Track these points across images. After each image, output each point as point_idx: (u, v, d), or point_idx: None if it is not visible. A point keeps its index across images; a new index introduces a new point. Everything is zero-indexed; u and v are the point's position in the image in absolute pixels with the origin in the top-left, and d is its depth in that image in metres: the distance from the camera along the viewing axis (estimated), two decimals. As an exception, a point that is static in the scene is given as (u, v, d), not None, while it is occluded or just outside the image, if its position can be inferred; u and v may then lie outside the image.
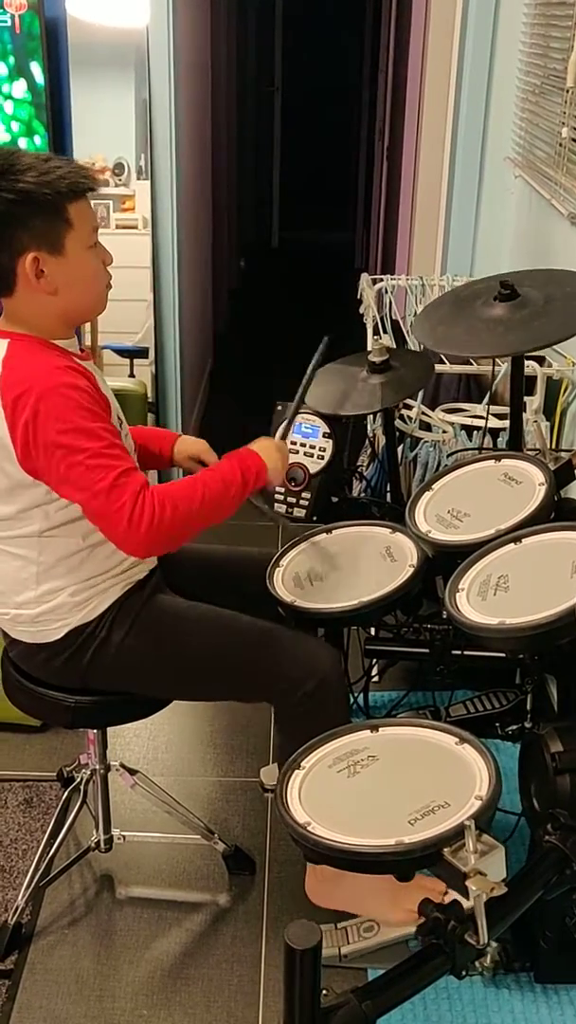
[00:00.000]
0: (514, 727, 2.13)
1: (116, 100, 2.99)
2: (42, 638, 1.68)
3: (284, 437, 1.82)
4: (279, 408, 2.23)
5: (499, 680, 2.33)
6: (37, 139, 2.88)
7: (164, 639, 1.69)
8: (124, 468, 1.50)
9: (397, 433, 2.40)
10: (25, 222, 1.49)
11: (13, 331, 1.58)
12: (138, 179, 3.07)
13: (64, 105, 2.92)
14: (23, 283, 1.53)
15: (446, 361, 2.47)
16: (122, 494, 1.48)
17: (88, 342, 3.01)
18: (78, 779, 2.02)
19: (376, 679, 2.55)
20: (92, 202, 1.58)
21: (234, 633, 1.70)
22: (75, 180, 1.51)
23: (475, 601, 1.51)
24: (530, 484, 1.75)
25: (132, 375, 3.19)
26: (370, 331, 2.72)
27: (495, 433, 2.34)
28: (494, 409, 2.31)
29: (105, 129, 3.02)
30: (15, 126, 2.87)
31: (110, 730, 1.95)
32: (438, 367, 2.39)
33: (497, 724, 2.18)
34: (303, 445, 2.14)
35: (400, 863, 1.23)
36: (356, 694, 2.19)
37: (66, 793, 2.08)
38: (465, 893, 1.19)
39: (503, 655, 1.92)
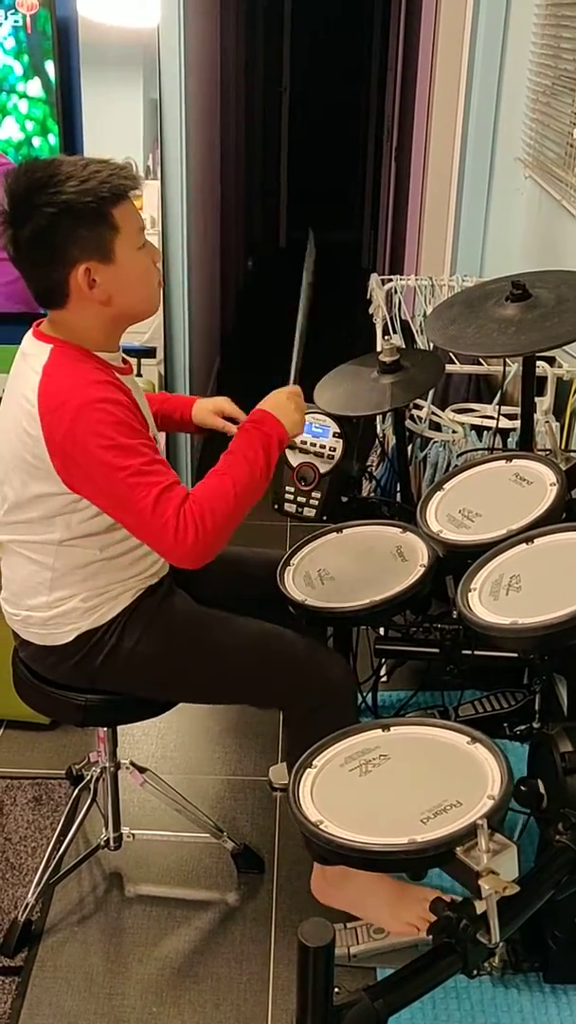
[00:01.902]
0: (522, 727, 2.13)
1: (125, 100, 2.99)
2: (52, 641, 1.68)
3: (296, 380, 1.76)
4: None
5: (507, 680, 2.33)
6: (51, 138, 2.89)
7: (177, 646, 1.69)
8: (166, 484, 1.49)
9: (407, 433, 2.40)
10: (71, 234, 1.47)
11: (56, 337, 1.56)
12: (146, 179, 3.07)
13: (75, 104, 2.93)
14: (76, 295, 1.52)
15: (456, 361, 2.47)
16: (165, 510, 1.47)
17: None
18: (88, 777, 2.03)
19: (384, 679, 2.55)
20: None
21: (249, 641, 1.70)
22: (116, 183, 1.49)
23: (487, 601, 1.51)
24: (541, 484, 1.75)
25: (139, 375, 3.19)
26: (379, 331, 2.72)
27: (505, 434, 2.35)
28: (504, 410, 2.31)
29: (114, 129, 3.02)
30: (29, 125, 2.88)
31: (119, 728, 1.95)
32: (448, 367, 2.39)
33: (505, 724, 2.18)
34: (313, 445, 2.14)
35: (413, 862, 1.23)
36: (365, 694, 2.20)
37: (76, 791, 2.09)
38: (478, 892, 1.19)
39: (513, 655, 1.92)
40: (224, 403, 1.85)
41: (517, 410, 2.15)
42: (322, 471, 2.14)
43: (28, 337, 1.60)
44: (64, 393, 1.49)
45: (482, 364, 2.50)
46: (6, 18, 2.75)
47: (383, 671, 2.53)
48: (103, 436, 1.46)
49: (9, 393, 1.59)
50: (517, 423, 2.15)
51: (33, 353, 1.56)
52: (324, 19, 7.19)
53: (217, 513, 1.50)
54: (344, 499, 2.19)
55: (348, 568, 1.82)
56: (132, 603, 1.68)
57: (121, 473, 1.47)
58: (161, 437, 2.25)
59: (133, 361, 1.73)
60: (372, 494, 2.55)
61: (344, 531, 1.94)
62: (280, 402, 1.64)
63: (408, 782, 1.36)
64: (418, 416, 2.44)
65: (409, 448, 2.45)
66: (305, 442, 2.14)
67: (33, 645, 1.71)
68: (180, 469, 3.35)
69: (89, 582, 1.64)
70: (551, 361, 2.39)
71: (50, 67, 2.80)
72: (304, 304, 1.79)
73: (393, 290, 2.90)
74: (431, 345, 2.44)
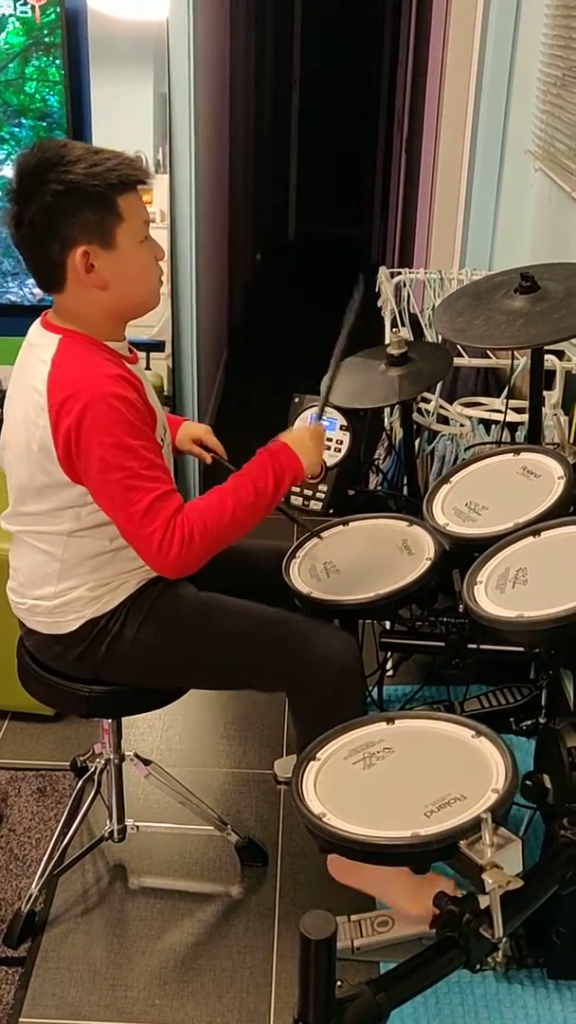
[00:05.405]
0: (528, 722, 2.11)
1: (134, 93, 2.98)
2: (56, 629, 1.68)
3: (319, 417, 1.78)
4: (296, 400, 2.23)
5: (513, 675, 2.32)
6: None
7: (179, 630, 1.69)
8: (160, 492, 1.50)
9: (415, 426, 2.39)
10: (74, 214, 1.47)
11: (64, 327, 1.56)
12: (156, 172, 3.07)
13: (84, 98, 2.92)
14: (73, 278, 1.52)
15: (464, 355, 2.46)
16: (154, 519, 1.48)
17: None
18: (92, 769, 2.03)
19: (390, 673, 2.54)
20: None
21: (253, 623, 1.70)
22: (125, 172, 1.49)
23: (493, 594, 1.51)
24: (549, 478, 1.75)
25: (148, 368, 3.19)
26: (388, 324, 2.71)
27: (513, 427, 2.33)
28: (511, 403, 2.30)
29: (123, 122, 3.01)
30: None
31: (124, 720, 1.95)
32: (456, 360, 2.38)
33: (511, 719, 2.17)
34: (320, 437, 2.13)
35: (416, 855, 1.23)
36: (370, 687, 2.19)
37: (80, 783, 2.09)
38: (481, 886, 1.19)
39: (519, 649, 1.92)
40: (204, 434, 1.90)
41: (525, 404, 2.14)
42: (329, 464, 2.14)
43: (35, 327, 1.60)
44: (75, 384, 1.48)
45: (490, 357, 2.49)
46: (13, 8, 2.75)
47: (388, 665, 2.53)
48: (108, 433, 1.47)
49: (16, 384, 1.59)
50: (525, 417, 2.14)
51: (41, 343, 1.56)
52: (335, 11, 7.16)
53: (208, 532, 1.52)
54: (351, 492, 2.19)
55: (354, 561, 1.82)
56: (135, 591, 1.68)
57: (118, 474, 1.47)
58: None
59: (142, 355, 1.74)
60: (379, 487, 2.54)
61: (350, 524, 1.93)
62: (303, 439, 1.67)
63: (412, 775, 1.36)
64: (426, 409, 2.43)
65: (416, 441, 2.44)
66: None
67: (38, 633, 1.71)
68: (187, 476, 3.33)
69: (97, 573, 1.64)
70: (560, 355, 2.38)
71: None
72: (344, 337, 1.78)
73: (402, 283, 2.89)
74: (439, 338, 2.43)
